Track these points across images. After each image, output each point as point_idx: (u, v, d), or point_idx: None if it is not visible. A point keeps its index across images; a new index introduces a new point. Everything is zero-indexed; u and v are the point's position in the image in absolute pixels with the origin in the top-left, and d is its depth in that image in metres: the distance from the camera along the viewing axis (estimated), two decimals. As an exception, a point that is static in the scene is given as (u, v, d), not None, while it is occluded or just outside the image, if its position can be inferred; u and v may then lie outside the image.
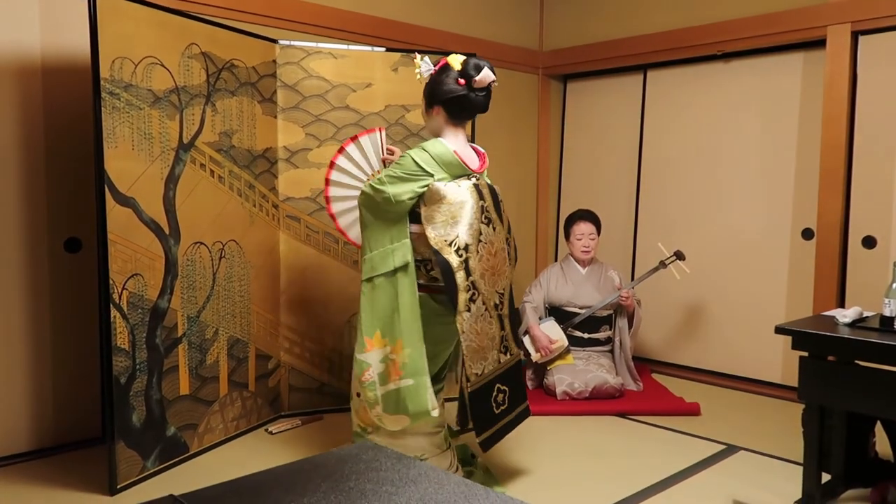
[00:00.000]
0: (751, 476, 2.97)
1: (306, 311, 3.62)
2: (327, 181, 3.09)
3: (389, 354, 2.60)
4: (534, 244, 5.30)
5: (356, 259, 3.58)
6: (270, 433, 3.42)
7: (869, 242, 3.81)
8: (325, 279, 3.64)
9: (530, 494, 2.75)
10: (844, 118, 3.82)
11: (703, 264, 4.42)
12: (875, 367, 2.37)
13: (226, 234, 3.24)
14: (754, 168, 4.29)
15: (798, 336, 2.52)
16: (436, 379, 2.78)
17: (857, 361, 2.46)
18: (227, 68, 3.20)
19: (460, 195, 2.57)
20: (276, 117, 3.49)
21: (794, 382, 2.71)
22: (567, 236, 4.30)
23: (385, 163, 3.04)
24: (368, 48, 3.70)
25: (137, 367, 2.83)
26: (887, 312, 2.47)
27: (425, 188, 2.55)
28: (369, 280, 2.62)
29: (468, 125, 2.81)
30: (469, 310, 2.56)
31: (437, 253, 2.53)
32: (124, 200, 2.77)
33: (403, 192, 2.54)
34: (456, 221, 2.55)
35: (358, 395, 2.69)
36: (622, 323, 4.12)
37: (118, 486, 2.75)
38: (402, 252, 2.59)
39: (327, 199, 3.10)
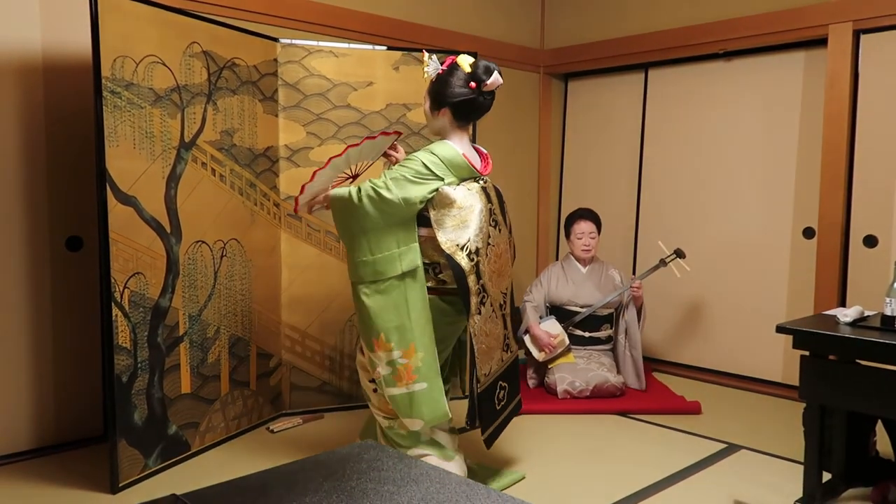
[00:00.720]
0: (752, 475, 2.97)
1: (307, 309, 3.63)
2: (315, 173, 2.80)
3: (399, 359, 2.55)
4: (534, 243, 5.30)
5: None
6: (272, 432, 3.42)
7: (870, 241, 3.80)
8: (327, 278, 3.64)
9: (531, 493, 2.76)
10: (846, 117, 3.81)
11: (704, 263, 4.42)
12: (876, 366, 2.37)
13: (227, 233, 3.25)
14: (755, 167, 4.29)
15: (799, 335, 2.52)
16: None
17: (858, 361, 2.46)
18: (229, 67, 3.20)
19: (470, 199, 2.56)
20: (277, 116, 3.49)
21: (795, 381, 2.72)
22: (567, 235, 4.30)
23: (389, 162, 2.97)
24: (370, 47, 3.70)
25: (139, 365, 2.83)
26: (888, 311, 2.47)
27: (435, 192, 2.53)
28: (372, 283, 2.56)
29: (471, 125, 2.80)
30: (480, 312, 2.56)
31: (449, 258, 2.51)
32: (126, 199, 2.77)
33: (412, 195, 2.50)
34: (466, 225, 2.54)
35: (375, 390, 2.69)
36: (630, 316, 4.12)
37: (120, 485, 2.75)
38: (410, 256, 2.55)
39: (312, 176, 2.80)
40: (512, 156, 5.06)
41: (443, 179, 2.55)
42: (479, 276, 2.55)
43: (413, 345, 2.55)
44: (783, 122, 4.17)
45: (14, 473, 2.92)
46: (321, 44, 3.56)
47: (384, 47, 3.71)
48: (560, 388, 3.86)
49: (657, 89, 4.75)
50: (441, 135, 2.68)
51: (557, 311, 4.19)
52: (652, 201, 4.78)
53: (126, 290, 2.77)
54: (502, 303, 2.74)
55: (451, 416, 2.62)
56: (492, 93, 2.62)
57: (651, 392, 4.05)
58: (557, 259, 5.01)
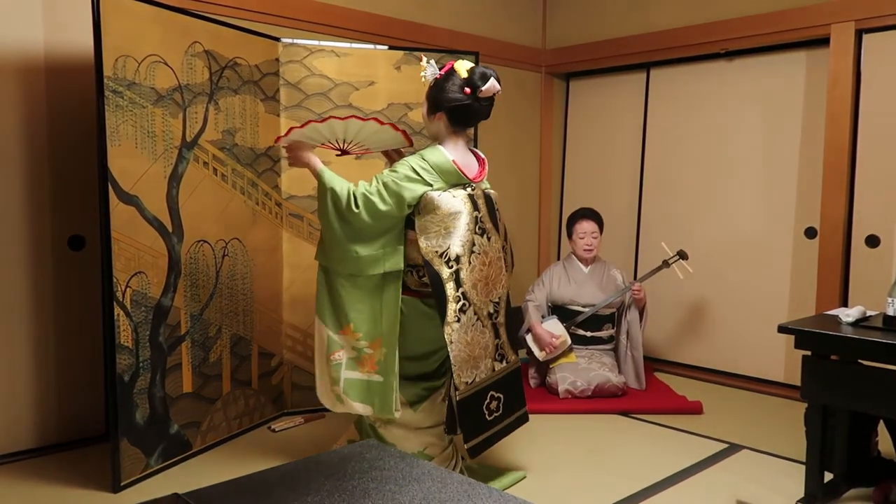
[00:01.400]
0: (753, 475, 2.97)
1: (309, 308, 3.62)
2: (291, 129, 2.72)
3: (365, 348, 2.64)
4: (536, 243, 5.30)
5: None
6: (273, 431, 3.42)
7: (872, 241, 3.80)
8: (328, 277, 3.64)
9: (532, 493, 2.76)
10: (848, 116, 3.81)
11: (706, 262, 4.41)
12: (878, 366, 2.37)
13: (229, 233, 3.25)
14: (757, 167, 4.29)
15: (801, 335, 2.52)
16: (433, 376, 2.80)
17: (859, 361, 2.46)
18: (230, 66, 3.20)
19: (454, 206, 2.56)
20: (278, 115, 3.49)
21: (797, 381, 2.71)
22: (569, 235, 4.30)
23: (388, 162, 2.97)
24: (371, 46, 3.70)
25: (141, 364, 2.83)
26: (891, 311, 2.46)
27: (421, 197, 2.54)
28: (351, 276, 2.61)
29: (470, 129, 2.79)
30: (459, 320, 2.55)
31: (427, 264, 2.54)
32: (128, 198, 2.77)
33: (403, 200, 2.52)
34: (449, 233, 2.54)
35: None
36: (632, 317, 4.12)
37: (121, 484, 2.75)
38: (394, 259, 2.60)
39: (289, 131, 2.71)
40: (513, 156, 5.06)
41: (431, 185, 2.56)
42: (459, 284, 2.55)
43: (380, 339, 2.62)
44: (785, 122, 4.17)
45: (16, 472, 2.92)
46: (323, 43, 3.56)
47: (386, 47, 3.71)
48: (561, 388, 3.86)
49: (659, 89, 4.74)
50: (437, 139, 2.69)
51: (559, 310, 4.18)
52: (653, 200, 4.78)
53: (128, 289, 2.78)
54: (492, 312, 2.70)
55: (398, 416, 2.65)
56: (489, 99, 2.60)
57: (652, 392, 4.05)
58: (559, 259, 5.01)
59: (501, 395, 2.75)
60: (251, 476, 1.47)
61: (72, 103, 3.13)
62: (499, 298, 2.73)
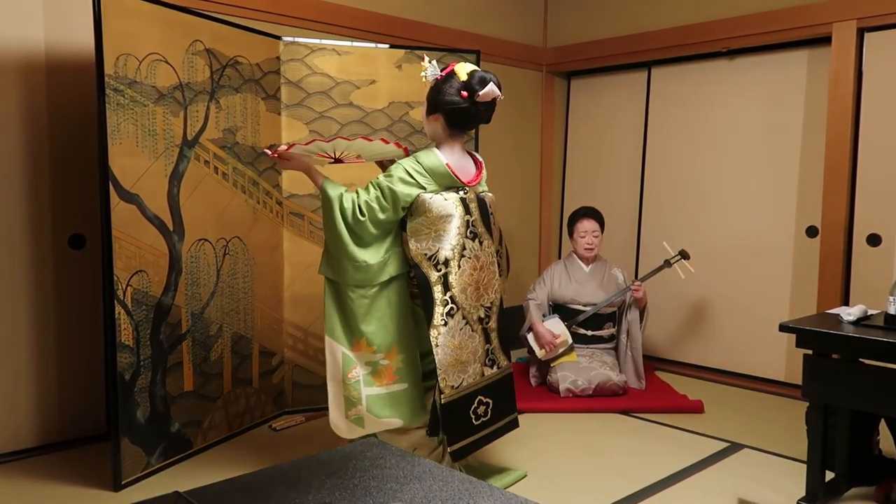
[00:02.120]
0: (754, 474, 2.97)
1: (310, 307, 3.62)
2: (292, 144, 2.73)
3: (380, 360, 2.61)
4: (537, 242, 5.29)
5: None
6: (274, 430, 3.42)
7: (874, 240, 3.80)
8: (329, 276, 3.64)
9: (533, 491, 2.75)
10: (849, 115, 3.80)
11: (707, 262, 4.41)
12: (879, 365, 2.37)
13: (230, 231, 3.25)
14: (759, 165, 4.28)
15: (802, 334, 2.52)
16: (427, 377, 2.79)
17: (861, 359, 2.46)
18: (231, 65, 3.20)
19: (446, 209, 2.55)
20: (279, 114, 3.49)
21: (798, 380, 2.71)
22: (570, 234, 4.29)
23: (381, 169, 2.93)
24: (372, 45, 3.70)
25: (142, 363, 2.83)
26: (892, 310, 2.46)
27: (414, 199, 2.54)
28: (359, 287, 2.57)
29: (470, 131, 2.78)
30: (446, 324, 2.53)
31: (416, 266, 2.54)
32: (129, 197, 2.77)
33: (395, 205, 2.53)
34: (439, 236, 2.54)
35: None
36: (633, 316, 4.11)
37: (122, 482, 2.76)
38: (395, 262, 2.61)
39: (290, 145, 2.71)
40: (514, 154, 5.06)
41: (424, 188, 2.56)
42: (447, 288, 2.54)
43: (395, 347, 2.61)
44: (786, 121, 4.16)
45: (17, 471, 2.92)
46: (324, 42, 3.56)
47: (387, 45, 3.71)
48: (562, 387, 3.86)
49: (660, 88, 4.74)
50: (434, 140, 2.69)
51: (560, 309, 4.18)
52: (655, 199, 4.77)
53: (129, 287, 2.78)
54: (482, 316, 2.67)
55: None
56: (488, 104, 2.58)
57: (653, 391, 4.05)
58: (560, 258, 5.00)
59: (490, 401, 2.71)
60: (252, 474, 1.46)
61: (73, 102, 3.13)
62: (490, 303, 2.70)
